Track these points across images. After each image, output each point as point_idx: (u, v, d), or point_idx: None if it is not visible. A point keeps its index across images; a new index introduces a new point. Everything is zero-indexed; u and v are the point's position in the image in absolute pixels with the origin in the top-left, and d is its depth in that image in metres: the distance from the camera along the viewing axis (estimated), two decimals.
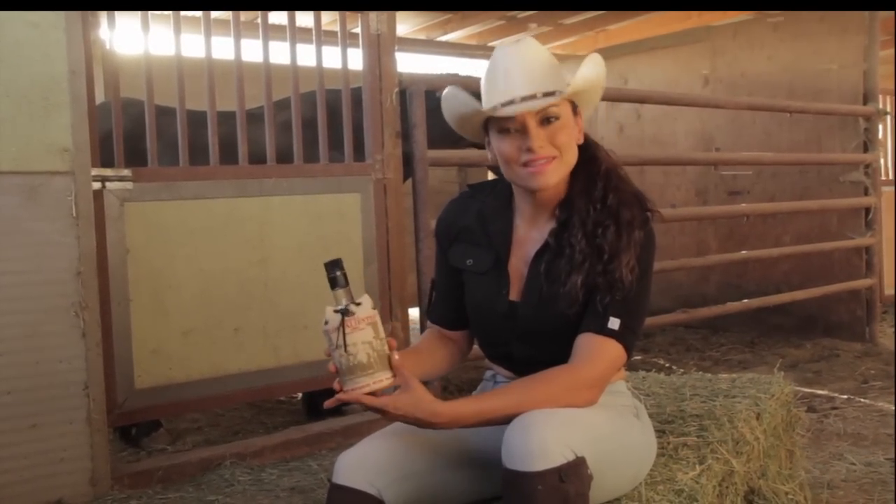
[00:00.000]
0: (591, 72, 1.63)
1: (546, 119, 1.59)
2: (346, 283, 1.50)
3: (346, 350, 1.46)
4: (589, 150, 1.70)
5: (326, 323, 1.49)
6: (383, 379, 1.49)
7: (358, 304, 1.48)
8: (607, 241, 1.59)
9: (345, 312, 1.46)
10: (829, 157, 5.50)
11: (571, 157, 1.64)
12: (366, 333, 1.47)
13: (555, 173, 1.61)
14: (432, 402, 1.47)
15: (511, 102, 1.56)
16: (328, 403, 1.51)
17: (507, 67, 1.59)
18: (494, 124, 1.63)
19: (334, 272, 1.50)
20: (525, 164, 1.60)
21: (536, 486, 1.37)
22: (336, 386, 1.50)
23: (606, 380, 1.61)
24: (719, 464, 1.85)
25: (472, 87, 1.69)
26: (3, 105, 2.61)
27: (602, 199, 1.63)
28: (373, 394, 1.48)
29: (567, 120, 1.62)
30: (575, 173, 1.68)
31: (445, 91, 1.68)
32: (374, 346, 1.48)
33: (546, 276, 1.64)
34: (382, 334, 1.50)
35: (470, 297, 1.77)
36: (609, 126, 6.70)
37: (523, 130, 1.58)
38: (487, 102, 1.61)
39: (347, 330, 1.46)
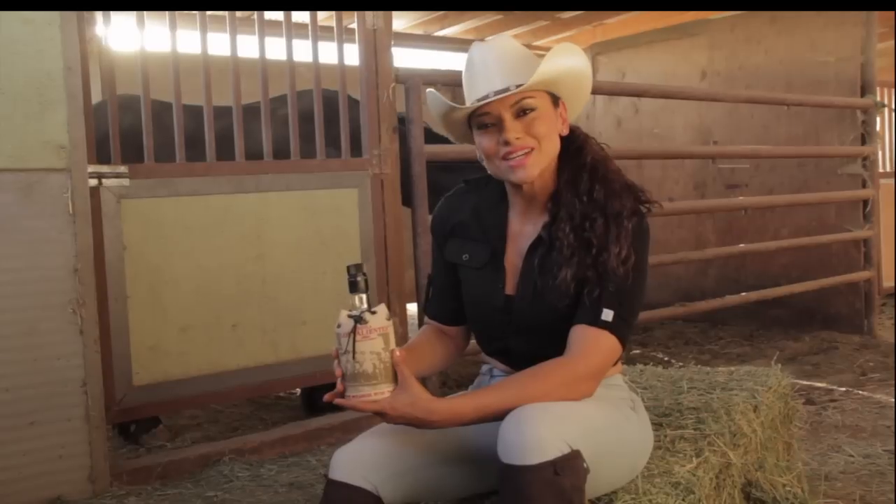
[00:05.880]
0: (560, 61, 1.62)
1: (522, 111, 1.60)
2: (366, 289, 1.49)
3: (353, 357, 1.46)
4: (576, 142, 1.70)
5: (339, 326, 1.48)
6: (385, 391, 1.48)
7: (373, 313, 1.47)
8: (595, 234, 1.59)
9: (358, 320, 1.46)
10: (826, 150, 5.50)
11: (551, 147, 1.65)
12: (375, 344, 1.47)
13: (535, 165, 1.62)
14: (430, 400, 1.47)
15: (485, 98, 1.59)
16: (328, 397, 1.52)
17: (482, 64, 1.62)
18: (475, 121, 1.65)
19: (355, 276, 1.50)
20: (505, 158, 1.61)
21: (531, 480, 1.37)
22: (339, 386, 1.50)
23: (602, 372, 1.61)
24: (716, 456, 1.85)
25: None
26: None
27: (588, 191, 1.63)
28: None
29: (545, 111, 1.63)
30: (561, 166, 1.68)
31: (427, 95, 1.70)
32: (382, 357, 1.48)
33: (540, 270, 1.65)
34: (392, 345, 1.49)
35: (467, 292, 1.77)
36: (607, 120, 6.70)
37: (500, 124, 1.60)
38: (466, 100, 1.63)
39: (358, 338, 1.45)
